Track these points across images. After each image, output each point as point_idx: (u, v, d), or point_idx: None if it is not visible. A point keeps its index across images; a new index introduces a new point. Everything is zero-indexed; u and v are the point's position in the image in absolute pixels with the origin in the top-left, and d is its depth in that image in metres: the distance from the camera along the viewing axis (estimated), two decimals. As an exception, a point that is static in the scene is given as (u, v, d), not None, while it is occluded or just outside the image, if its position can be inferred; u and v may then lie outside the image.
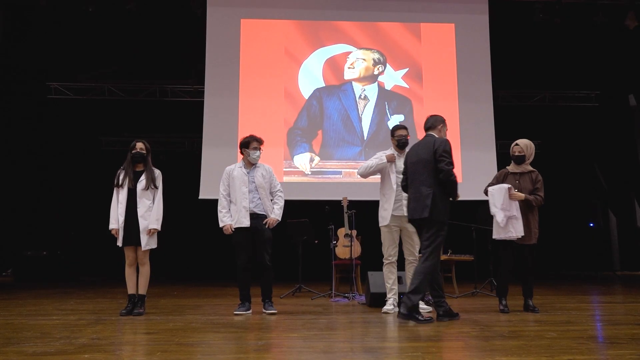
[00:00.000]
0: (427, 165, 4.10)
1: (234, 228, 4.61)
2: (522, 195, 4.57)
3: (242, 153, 4.78)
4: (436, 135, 4.25)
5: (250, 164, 4.76)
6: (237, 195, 4.64)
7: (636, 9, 8.88)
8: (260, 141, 4.76)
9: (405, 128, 4.87)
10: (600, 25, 9.03)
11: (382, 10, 9.08)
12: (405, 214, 4.60)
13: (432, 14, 9.10)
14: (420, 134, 7.67)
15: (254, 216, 4.62)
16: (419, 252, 4.09)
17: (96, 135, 10.13)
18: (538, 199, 4.64)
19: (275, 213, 4.71)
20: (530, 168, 4.77)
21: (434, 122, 4.32)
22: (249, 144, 4.72)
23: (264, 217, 4.68)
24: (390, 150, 4.87)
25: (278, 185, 4.83)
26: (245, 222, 4.59)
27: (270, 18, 8.94)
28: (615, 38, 9.50)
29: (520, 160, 4.77)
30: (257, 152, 4.72)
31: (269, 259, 4.64)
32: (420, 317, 3.96)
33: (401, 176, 4.63)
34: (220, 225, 4.67)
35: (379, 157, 4.81)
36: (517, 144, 4.83)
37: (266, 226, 4.65)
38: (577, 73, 10.04)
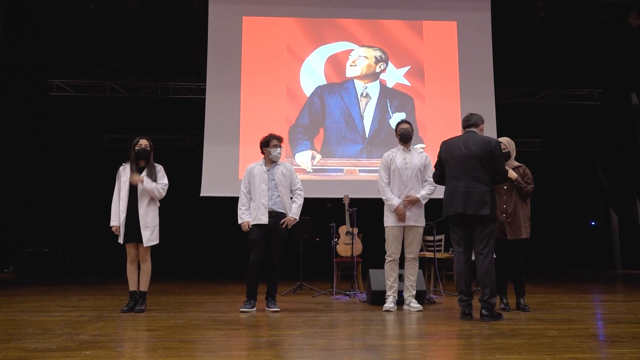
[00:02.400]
0: (482, 161, 4.08)
1: (252, 225, 4.63)
2: (514, 174, 4.56)
3: (263, 152, 4.82)
4: (478, 133, 4.27)
5: (271, 162, 4.78)
6: (257, 192, 4.68)
7: (639, 7, 8.86)
8: (279, 139, 4.80)
9: (408, 123, 4.84)
10: (602, 23, 9.01)
11: (384, 7, 9.06)
12: (411, 224, 4.61)
13: (434, 11, 9.08)
14: (422, 132, 7.65)
15: (273, 214, 4.65)
16: (481, 250, 4.03)
17: (97, 132, 10.12)
18: (528, 188, 4.62)
19: (293, 212, 4.74)
20: (517, 163, 4.77)
21: (477, 121, 4.33)
22: (269, 142, 4.76)
23: (283, 215, 4.70)
24: (400, 202, 4.65)
25: (298, 184, 4.85)
26: (264, 219, 4.61)
27: (272, 15, 8.93)
28: (618, 36, 9.47)
29: (506, 157, 4.77)
30: (278, 150, 4.75)
31: (278, 258, 4.67)
32: (497, 313, 4.06)
33: (412, 176, 4.65)
34: (239, 222, 4.72)
35: (392, 199, 4.63)
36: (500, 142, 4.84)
37: (283, 226, 4.67)
38: (579, 71, 10.02)
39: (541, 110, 10.32)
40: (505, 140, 4.84)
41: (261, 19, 8.92)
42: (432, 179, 4.72)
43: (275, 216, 4.66)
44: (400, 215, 4.62)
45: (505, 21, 9.21)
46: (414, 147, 4.89)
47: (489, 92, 8.93)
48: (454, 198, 4.10)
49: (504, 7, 9.20)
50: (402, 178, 4.69)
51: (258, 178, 4.71)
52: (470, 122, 4.32)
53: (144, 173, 4.61)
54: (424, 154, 4.87)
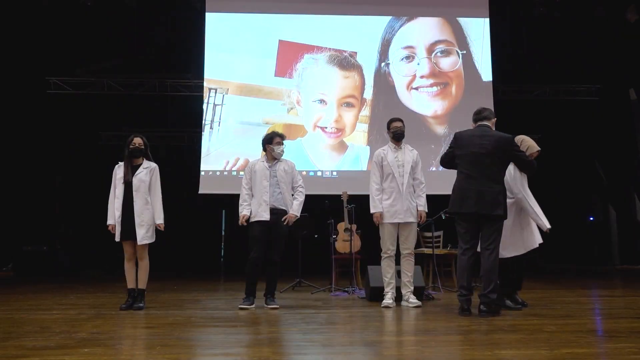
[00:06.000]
0: (495, 160, 4.06)
1: (253, 221, 4.62)
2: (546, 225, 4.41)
3: (265, 150, 4.80)
4: (492, 127, 4.24)
5: (273, 159, 4.77)
6: (258, 188, 4.66)
7: (637, 2, 8.85)
8: (282, 136, 4.79)
9: (401, 120, 4.83)
10: (600, 18, 9.00)
11: (382, 4, 9.05)
12: (405, 220, 4.60)
13: (431, 8, 9.08)
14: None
15: (274, 211, 4.63)
16: (487, 246, 4.02)
17: (95, 129, 10.10)
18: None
19: (294, 209, 4.72)
20: None
21: (490, 114, 4.29)
22: (272, 139, 4.74)
23: (284, 212, 4.68)
24: (379, 208, 4.68)
25: (300, 181, 4.84)
26: (265, 216, 4.59)
27: (269, 11, 8.93)
28: (616, 32, 9.46)
29: None
30: (281, 147, 4.74)
31: (278, 255, 4.67)
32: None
33: (405, 173, 4.63)
34: (240, 215, 4.69)
35: (377, 207, 4.67)
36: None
37: (285, 223, 4.66)
38: (577, 67, 10.01)
39: (539, 106, 10.32)
40: (519, 139, 4.58)
41: (259, 16, 8.92)
42: (422, 178, 4.76)
43: (277, 213, 4.65)
44: (377, 219, 4.69)
45: (503, 17, 9.19)
46: (405, 145, 4.86)
47: (487, 88, 8.94)
48: (466, 197, 4.07)
49: (502, 3, 9.18)
50: (394, 175, 4.68)
51: (259, 174, 4.70)
52: (483, 114, 4.28)
53: (139, 171, 4.60)
54: (414, 151, 4.84)
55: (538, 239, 4.40)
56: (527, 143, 4.60)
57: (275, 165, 4.75)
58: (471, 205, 4.03)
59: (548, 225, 4.24)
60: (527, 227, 4.39)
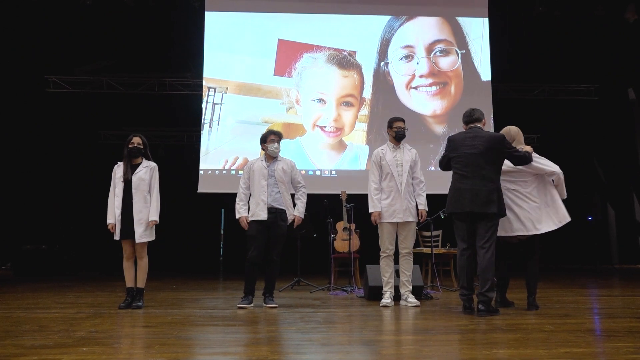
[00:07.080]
0: (489, 159, 4.12)
1: (251, 220, 4.62)
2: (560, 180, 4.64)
3: (262, 149, 4.81)
4: (483, 128, 4.30)
5: (272, 158, 4.77)
6: (256, 188, 4.66)
7: (636, 1, 8.86)
8: (278, 134, 4.78)
9: (403, 120, 4.83)
10: (599, 18, 9.00)
11: (381, 3, 9.05)
12: (404, 219, 4.61)
13: (430, 7, 9.09)
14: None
15: (272, 210, 4.62)
16: (483, 245, 4.04)
17: (95, 129, 10.08)
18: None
19: (299, 211, 4.75)
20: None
21: (480, 115, 4.35)
22: (267, 137, 4.75)
23: (283, 211, 4.68)
24: (378, 207, 4.69)
25: (301, 181, 4.85)
26: (263, 215, 4.59)
27: (268, 10, 8.93)
28: (615, 31, 9.46)
29: None
30: (275, 145, 4.72)
31: (277, 254, 4.67)
32: (494, 308, 4.08)
33: (404, 172, 4.64)
34: (237, 216, 4.69)
35: (375, 206, 4.68)
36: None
37: (294, 227, 4.71)
38: (576, 66, 10.01)
39: (539, 106, 10.31)
40: (505, 130, 4.65)
41: (258, 15, 8.92)
42: (422, 177, 4.79)
43: (275, 212, 4.64)
44: (373, 220, 4.72)
45: (503, 16, 9.19)
46: (404, 144, 4.86)
47: (486, 87, 8.94)
48: (461, 196, 4.13)
49: (501, 2, 9.18)
50: (393, 175, 4.69)
51: (258, 174, 4.69)
52: (474, 116, 4.33)
53: (138, 170, 4.61)
54: (413, 150, 4.85)
55: (567, 215, 4.41)
56: (517, 137, 4.63)
57: (274, 165, 4.75)
58: (466, 204, 4.09)
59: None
60: (555, 202, 4.45)
